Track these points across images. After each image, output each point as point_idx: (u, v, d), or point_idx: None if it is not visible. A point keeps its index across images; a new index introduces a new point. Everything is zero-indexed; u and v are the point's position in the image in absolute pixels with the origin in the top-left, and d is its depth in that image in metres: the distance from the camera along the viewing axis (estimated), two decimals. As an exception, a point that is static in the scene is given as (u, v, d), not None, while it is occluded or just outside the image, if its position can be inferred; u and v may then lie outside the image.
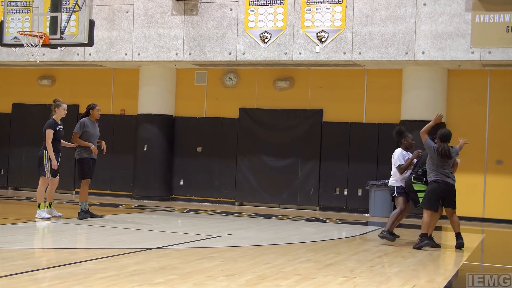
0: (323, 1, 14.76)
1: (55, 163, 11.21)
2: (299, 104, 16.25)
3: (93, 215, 11.72)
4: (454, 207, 9.97)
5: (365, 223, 13.78)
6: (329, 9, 14.73)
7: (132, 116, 17.20)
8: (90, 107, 11.76)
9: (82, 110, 17.60)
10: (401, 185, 10.41)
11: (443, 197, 9.81)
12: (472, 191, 14.93)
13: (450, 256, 9.58)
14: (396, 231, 11.29)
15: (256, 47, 15.17)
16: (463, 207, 15.05)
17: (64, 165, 13.17)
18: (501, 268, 8.62)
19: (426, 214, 9.81)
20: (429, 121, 14.77)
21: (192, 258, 7.93)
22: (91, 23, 12.86)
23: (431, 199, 9.76)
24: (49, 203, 11.57)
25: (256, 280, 6.65)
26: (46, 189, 11.44)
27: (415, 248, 9.67)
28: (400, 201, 10.38)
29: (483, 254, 10.46)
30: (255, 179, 16.36)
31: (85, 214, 11.55)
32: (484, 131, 15.02)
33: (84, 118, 11.67)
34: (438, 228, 13.45)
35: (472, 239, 11.85)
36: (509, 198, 14.73)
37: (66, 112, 11.59)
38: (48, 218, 11.27)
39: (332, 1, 14.71)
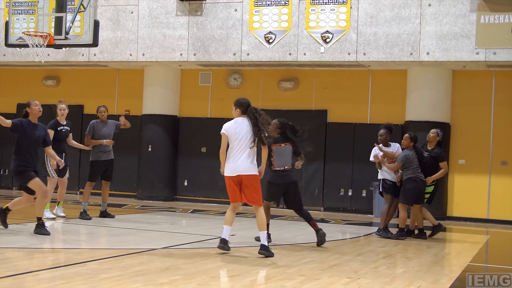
0: (328, 2, 14.75)
1: (53, 163, 11.25)
2: (303, 105, 16.24)
3: (108, 215, 11.92)
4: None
5: (370, 224, 13.76)
6: (334, 9, 14.71)
7: (136, 117, 17.20)
8: (97, 109, 12.12)
9: (87, 110, 17.73)
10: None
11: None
12: (476, 192, 14.90)
13: (454, 257, 9.56)
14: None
15: (260, 48, 15.17)
16: (468, 208, 15.05)
17: (69, 165, 13.15)
18: (506, 269, 8.59)
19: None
20: (434, 122, 14.87)
21: (196, 258, 7.93)
22: (96, 24, 12.87)
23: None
24: (58, 202, 11.69)
25: (261, 281, 6.64)
26: (57, 189, 11.56)
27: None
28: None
29: (488, 255, 10.44)
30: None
31: (84, 214, 11.66)
32: (489, 132, 14.99)
33: (93, 120, 12.02)
34: (443, 229, 13.43)
35: (477, 240, 11.83)
36: (514, 199, 14.70)
37: (62, 112, 11.63)
38: (53, 218, 11.29)
39: (336, 2, 14.70)
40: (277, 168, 9.53)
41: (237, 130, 8.32)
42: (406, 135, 11.06)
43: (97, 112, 12.11)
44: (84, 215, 11.58)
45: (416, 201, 10.85)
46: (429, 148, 11.14)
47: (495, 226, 14.28)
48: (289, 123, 9.88)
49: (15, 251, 7.94)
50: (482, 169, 15.00)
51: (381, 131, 11.40)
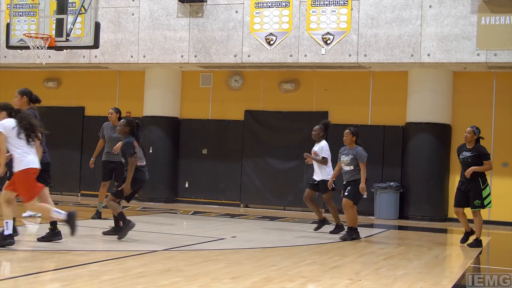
0: (329, 3, 14.76)
1: None
2: (304, 106, 16.24)
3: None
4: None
5: (371, 226, 13.76)
6: (335, 11, 14.72)
7: (137, 118, 17.13)
8: None
9: (88, 112, 17.76)
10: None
11: None
12: (477, 194, 14.87)
13: (456, 259, 9.56)
14: (401, 233, 11.25)
15: (261, 49, 15.18)
16: (469, 209, 15.01)
17: (70, 168, 13.34)
18: (507, 271, 8.58)
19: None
20: (434, 123, 14.87)
21: (197, 260, 7.93)
22: (97, 25, 12.89)
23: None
24: None
25: (262, 283, 6.64)
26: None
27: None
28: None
29: (489, 257, 10.43)
30: (260, 181, 16.36)
31: (96, 215, 11.95)
32: (490, 133, 14.98)
33: (106, 122, 12.19)
34: (444, 231, 13.43)
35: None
36: (515, 201, 14.69)
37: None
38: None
39: (337, 3, 14.71)
40: (141, 164, 9.50)
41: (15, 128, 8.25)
42: (347, 130, 10.66)
43: None
44: (96, 216, 11.84)
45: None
46: (469, 147, 10.28)
47: (496, 227, 14.27)
48: (138, 123, 9.85)
49: (16, 253, 7.94)
50: (483, 171, 14.96)
51: (316, 127, 11.48)
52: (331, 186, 10.97)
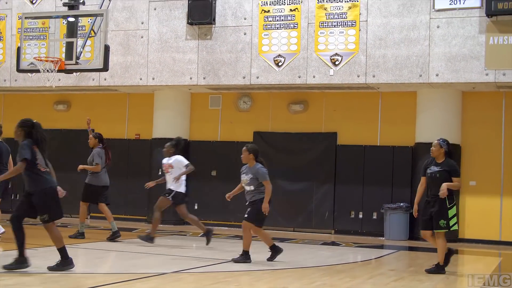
0: (337, 25, 14.81)
1: None
2: (313, 127, 16.24)
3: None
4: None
5: (381, 247, 13.68)
6: (343, 32, 14.77)
7: (146, 140, 17.27)
8: None
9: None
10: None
11: None
12: (488, 214, 14.80)
13: (466, 280, 9.47)
14: (411, 254, 11.14)
15: (270, 71, 15.23)
16: (479, 230, 14.94)
17: (80, 190, 13.34)
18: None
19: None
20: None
21: (207, 282, 7.90)
22: (106, 48, 13.00)
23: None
24: None
25: (271, 305, 6.61)
26: None
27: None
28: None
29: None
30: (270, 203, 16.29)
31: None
32: (500, 152, 14.93)
33: None
34: (455, 252, 13.33)
35: (489, 262, 11.73)
36: (526, 221, 14.59)
37: None
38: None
39: (345, 25, 14.76)
40: (45, 169, 8.49)
41: None
42: (244, 148, 10.17)
43: None
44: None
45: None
46: (438, 162, 9.69)
47: (508, 248, 14.16)
48: (34, 123, 9.24)
49: (27, 275, 7.94)
50: (493, 190, 14.90)
51: (167, 144, 12.10)
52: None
